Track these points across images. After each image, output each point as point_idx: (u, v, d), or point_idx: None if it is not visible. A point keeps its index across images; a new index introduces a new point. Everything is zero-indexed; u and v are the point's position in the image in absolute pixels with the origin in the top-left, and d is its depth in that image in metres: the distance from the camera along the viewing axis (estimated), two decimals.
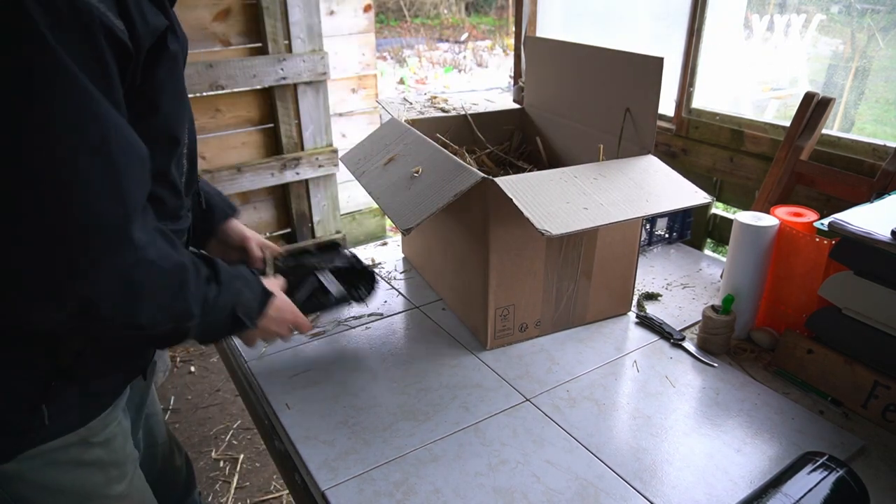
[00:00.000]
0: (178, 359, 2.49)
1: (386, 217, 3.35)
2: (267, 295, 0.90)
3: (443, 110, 1.48)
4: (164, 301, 0.71)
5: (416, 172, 1.11)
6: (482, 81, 7.39)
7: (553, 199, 0.98)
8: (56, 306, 0.63)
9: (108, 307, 0.65)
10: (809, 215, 1.17)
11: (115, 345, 0.82)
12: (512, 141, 1.56)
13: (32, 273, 0.61)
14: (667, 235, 1.61)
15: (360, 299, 1.12)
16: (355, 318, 1.30)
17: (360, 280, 1.12)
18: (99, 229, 0.62)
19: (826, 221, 0.99)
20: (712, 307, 1.15)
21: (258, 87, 2.77)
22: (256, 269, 1.04)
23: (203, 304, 0.77)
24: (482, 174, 1.00)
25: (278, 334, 0.96)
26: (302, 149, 2.95)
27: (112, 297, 0.65)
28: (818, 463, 0.81)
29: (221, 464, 2.02)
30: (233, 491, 1.92)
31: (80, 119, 0.59)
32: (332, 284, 1.08)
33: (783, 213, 1.18)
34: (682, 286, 1.41)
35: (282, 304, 0.94)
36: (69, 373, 0.75)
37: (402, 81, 7.18)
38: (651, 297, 1.36)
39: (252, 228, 1.16)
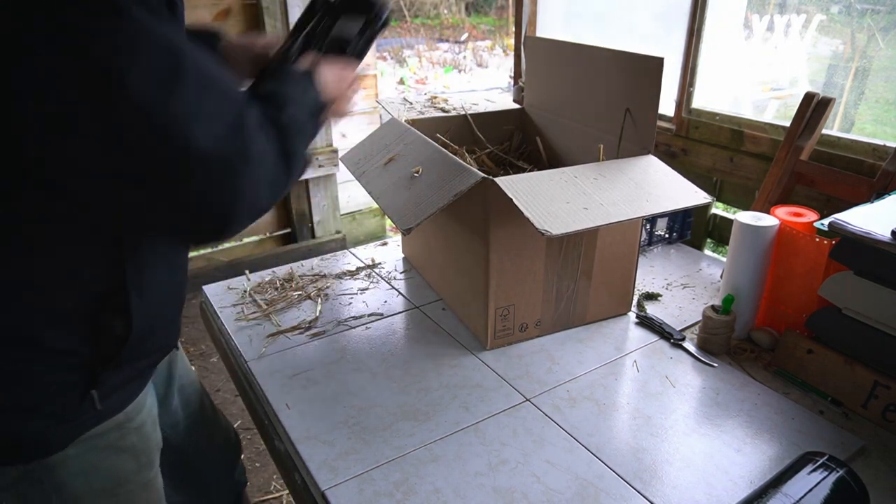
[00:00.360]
0: None
1: (386, 217, 3.35)
2: (310, 78, 0.87)
3: (443, 110, 1.48)
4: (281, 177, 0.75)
5: (417, 172, 1.11)
6: (482, 81, 7.39)
7: (553, 199, 0.98)
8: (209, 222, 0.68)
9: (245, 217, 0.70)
10: (809, 215, 1.17)
11: (158, 325, 0.85)
12: (512, 141, 1.56)
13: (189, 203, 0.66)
14: (667, 235, 1.61)
15: (375, 20, 1.00)
16: (355, 317, 1.30)
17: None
18: (224, 151, 0.65)
19: (826, 221, 0.99)
20: (712, 307, 1.15)
21: None
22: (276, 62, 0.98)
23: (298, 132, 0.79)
24: (482, 174, 1.00)
25: (345, 96, 0.95)
26: None
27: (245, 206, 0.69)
28: (818, 463, 0.81)
29: None
30: None
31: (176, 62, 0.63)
32: (343, 28, 0.99)
33: (783, 213, 1.18)
34: (682, 286, 1.41)
35: (325, 72, 0.92)
36: (113, 359, 0.78)
37: (402, 81, 7.18)
38: (651, 297, 1.36)
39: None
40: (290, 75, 0.84)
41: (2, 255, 0.69)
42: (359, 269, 1.51)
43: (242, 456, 1.32)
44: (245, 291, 1.41)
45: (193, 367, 1.43)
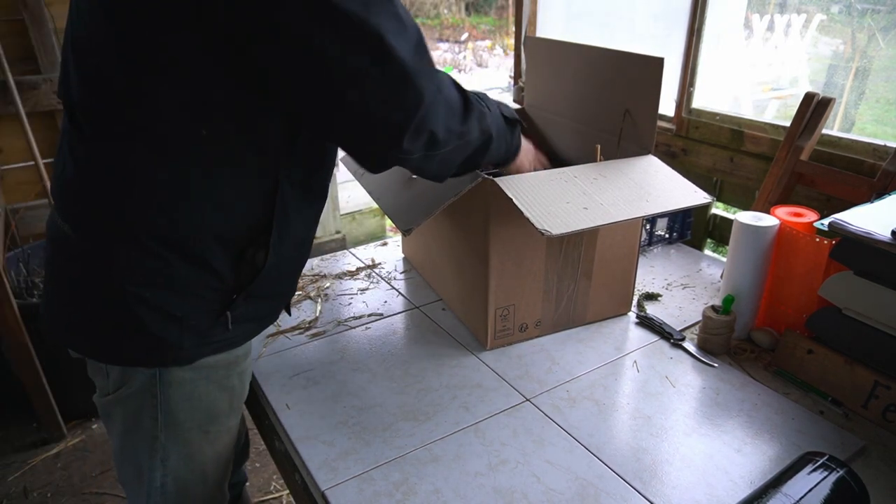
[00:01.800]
0: None
1: (386, 217, 3.35)
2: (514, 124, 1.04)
3: None
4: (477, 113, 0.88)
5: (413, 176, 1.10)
6: (482, 81, 7.39)
7: (553, 199, 0.98)
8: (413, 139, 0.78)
9: (442, 131, 0.81)
10: (809, 215, 1.17)
11: (286, 268, 0.93)
12: None
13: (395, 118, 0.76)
14: (667, 235, 1.61)
15: None
16: (355, 317, 1.30)
17: None
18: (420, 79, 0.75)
19: (826, 221, 0.99)
20: (712, 307, 1.15)
21: None
22: None
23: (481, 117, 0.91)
24: (482, 174, 1.00)
25: (528, 161, 1.12)
26: None
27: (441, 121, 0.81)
28: (818, 463, 0.81)
29: None
30: None
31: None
32: None
33: (783, 213, 1.18)
34: (682, 286, 1.41)
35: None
36: (248, 290, 0.86)
37: None
38: (651, 297, 1.36)
39: None
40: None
41: (198, 178, 0.77)
42: (359, 270, 1.51)
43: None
44: None
45: None
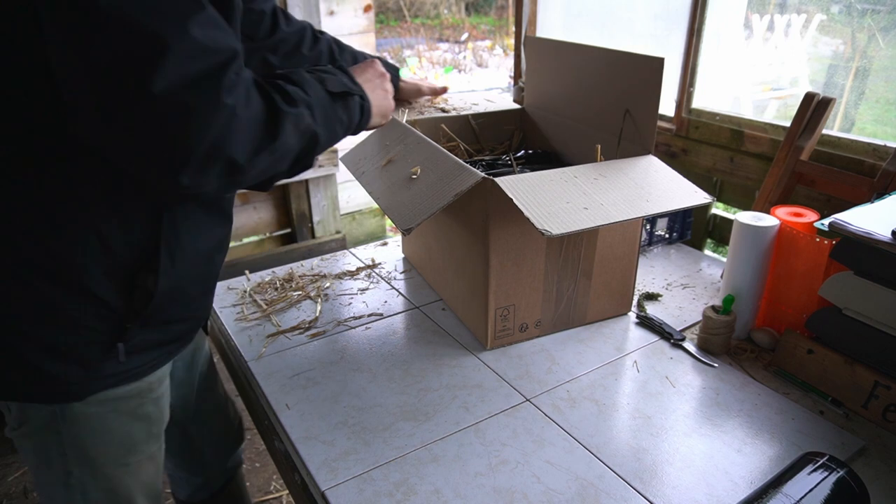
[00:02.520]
0: None
1: (386, 217, 3.35)
2: (345, 70, 0.93)
3: (443, 110, 1.48)
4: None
5: (414, 174, 1.11)
6: (482, 81, 7.39)
7: (553, 199, 0.98)
8: (206, 172, 0.68)
9: (243, 156, 0.70)
10: (809, 215, 1.17)
11: (187, 291, 0.87)
12: (512, 141, 1.56)
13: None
14: (667, 235, 1.61)
15: None
16: (355, 317, 1.30)
17: None
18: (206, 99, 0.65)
19: (826, 221, 0.99)
20: (712, 307, 1.15)
21: None
22: None
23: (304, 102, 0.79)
24: (482, 174, 1.00)
25: (384, 88, 1.01)
26: None
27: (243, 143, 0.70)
28: (818, 463, 0.81)
29: None
30: None
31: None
32: None
33: (783, 213, 1.18)
34: (682, 286, 1.41)
35: (364, 65, 0.99)
36: (143, 316, 0.81)
37: None
38: (651, 297, 1.36)
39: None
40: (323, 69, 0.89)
41: (66, 200, 0.73)
42: (359, 269, 1.51)
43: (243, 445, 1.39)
44: (245, 291, 1.41)
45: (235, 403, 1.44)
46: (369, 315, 1.31)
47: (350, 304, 1.36)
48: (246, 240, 3.04)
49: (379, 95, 1.00)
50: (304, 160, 0.83)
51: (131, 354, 0.84)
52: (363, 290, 1.41)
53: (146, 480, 0.95)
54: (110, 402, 0.85)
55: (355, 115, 0.92)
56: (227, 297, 1.38)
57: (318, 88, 0.83)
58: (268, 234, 3.09)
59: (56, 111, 0.68)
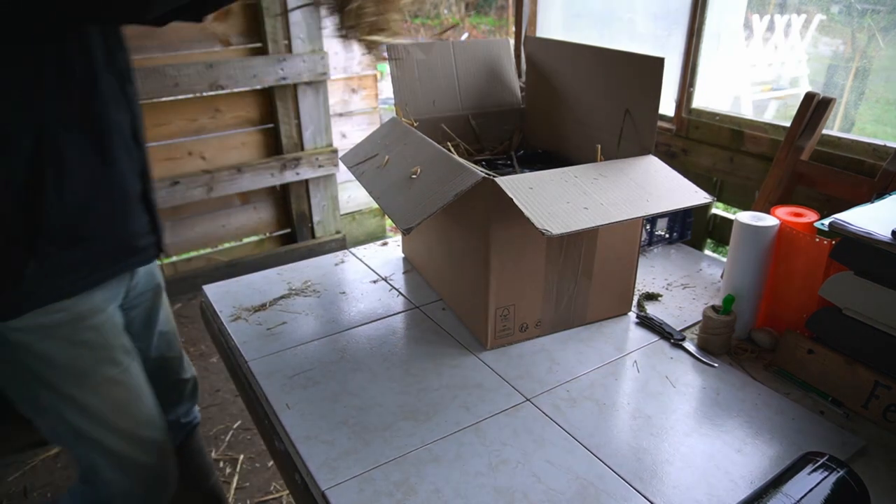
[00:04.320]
0: None
1: (386, 217, 3.35)
2: None
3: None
4: None
5: (414, 174, 1.11)
6: None
7: (553, 199, 0.98)
8: None
9: None
10: (809, 215, 1.17)
11: (87, 212, 0.90)
12: (512, 141, 1.56)
13: None
14: (667, 235, 1.61)
15: None
16: (355, 317, 1.30)
17: None
18: None
19: (826, 221, 0.99)
20: (712, 307, 1.15)
21: (258, 87, 2.77)
22: None
23: None
24: (482, 174, 1.00)
25: None
26: (302, 149, 2.95)
27: None
28: (819, 463, 0.81)
29: (221, 464, 2.02)
30: (233, 491, 1.92)
31: None
32: None
33: (783, 213, 1.18)
34: (682, 286, 1.41)
35: None
36: (44, 231, 0.85)
37: None
38: (651, 297, 1.36)
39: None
40: None
41: None
42: (359, 269, 1.51)
43: (198, 405, 1.46)
44: (245, 292, 1.41)
45: (193, 365, 1.46)
46: (369, 315, 1.31)
47: (350, 303, 1.36)
48: (246, 240, 3.04)
49: None
50: None
51: (51, 275, 0.87)
52: (363, 291, 1.41)
53: (117, 400, 0.99)
54: (41, 329, 0.89)
55: None
56: (227, 297, 1.38)
57: None
58: (268, 234, 3.09)
59: None
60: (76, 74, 0.86)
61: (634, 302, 1.32)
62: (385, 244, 1.65)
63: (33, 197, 0.84)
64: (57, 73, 0.83)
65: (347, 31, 0.99)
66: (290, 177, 2.91)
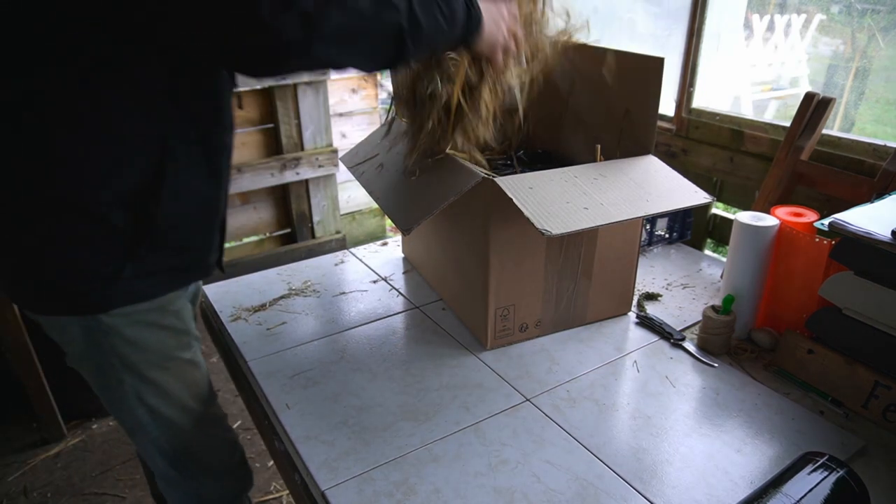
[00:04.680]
0: None
1: (386, 217, 3.35)
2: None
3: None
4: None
5: (414, 174, 1.11)
6: None
7: (553, 199, 0.98)
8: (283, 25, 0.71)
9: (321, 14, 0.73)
10: (809, 215, 1.17)
11: (188, 224, 0.96)
12: (512, 141, 1.56)
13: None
14: (667, 235, 1.61)
15: None
16: (355, 317, 1.30)
17: None
18: None
19: (826, 221, 0.99)
20: (712, 307, 1.15)
21: (258, 87, 2.77)
22: None
23: None
24: (482, 174, 1.00)
25: (497, 8, 0.94)
26: (302, 149, 2.95)
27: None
28: (818, 463, 0.81)
29: None
30: None
31: None
32: None
33: (783, 213, 1.18)
34: (682, 286, 1.41)
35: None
36: (150, 242, 0.90)
37: None
38: (651, 297, 1.36)
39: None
40: None
41: (84, 138, 0.81)
42: (359, 270, 1.51)
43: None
44: (245, 292, 1.41)
45: None
46: (369, 315, 1.31)
47: (350, 303, 1.36)
48: (246, 240, 3.04)
49: (491, 10, 0.92)
50: (389, 35, 0.81)
51: (143, 276, 0.93)
52: (363, 291, 1.41)
53: (192, 382, 1.06)
54: (134, 314, 0.94)
55: (459, 8, 0.86)
56: (227, 297, 1.38)
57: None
58: (268, 234, 3.09)
59: (80, 33, 0.74)
60: (210, 97, 0.92)
61: (634, 302, 1.32)
62: (385, 244, 1.65)
63: (146, 206, 0.88)
64: (191, 95, 0.87)
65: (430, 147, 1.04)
66: (290, 177, 2.91)
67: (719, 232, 1.61)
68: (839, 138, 1.33)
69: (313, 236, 3.15)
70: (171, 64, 0.82)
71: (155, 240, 0.91)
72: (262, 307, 1.34)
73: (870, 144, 1.28)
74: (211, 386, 1.12)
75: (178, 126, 0.87)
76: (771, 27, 1.88)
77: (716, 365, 1.12)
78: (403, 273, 1.49)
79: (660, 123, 1.67)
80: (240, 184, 2.80)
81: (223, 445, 1.14)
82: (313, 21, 0.72)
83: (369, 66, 0.86)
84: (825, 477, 0.79)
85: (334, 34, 0.76)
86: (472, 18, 0.89)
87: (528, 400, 1.04)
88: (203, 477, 1.12)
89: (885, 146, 1.25)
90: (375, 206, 2.97)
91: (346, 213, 3.34)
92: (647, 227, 1.56)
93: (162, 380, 1.01)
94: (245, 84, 2.70)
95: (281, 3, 0.70)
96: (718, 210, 1.65)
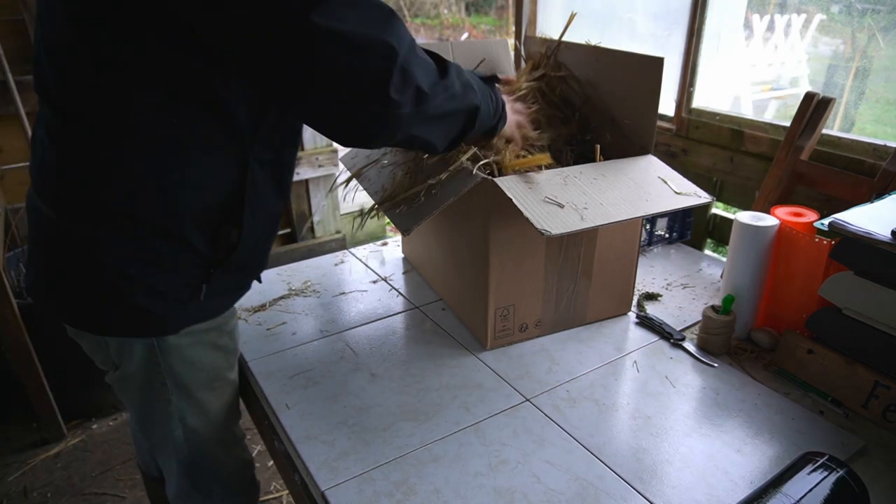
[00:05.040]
0: None
1: (386, 217, 3.35)
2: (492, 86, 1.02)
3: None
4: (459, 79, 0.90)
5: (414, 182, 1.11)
6: None
7: (553, 199, 0.98)
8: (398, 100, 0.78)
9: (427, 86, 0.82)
10: (809, 215, 1.17)
11: (257, 244, 0.98)
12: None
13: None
14: (667, 235, 1.61)
15: None
16: (355, 317, 1.30)
17: None
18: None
19: (826, 221, 0.99)
20: (712, 307, 1.15)
21: None
22: None
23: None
24: (482, 174, 1.00)
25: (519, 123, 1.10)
26: (302, 149, 2.95)
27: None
28: (818, 463, 0.81)
29: None
30: None
31: None
32: None
33: (783, 213, 1.18)
34: (682, 286, 1.41)
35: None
36: (225, 263, 0.92)
37: None
38: (651, 297, 1.36)
39: None
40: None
41: (173, 164, 0.82)
42: (359, 270, 1.51)
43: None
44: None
45: None
46: (369, 315, 1.31)
47: (350, 304, 1.36)
48: None
49: (509, 106, 1.07)
50: (468, 119, 0.92)
51: (211, 296, 0.95)
52: (363, 291, 1.41)
53: (228, 402, 1.08)
54: (195, 334, 0.97)
55: (499, 100, 1.00)
56: None
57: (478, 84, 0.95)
58: None
59: (181, 74, 0.77)
60: (292, 123, 0.94)
61: (634, 302, 1.32)
62: (385, 244, 1.65)
63: (225, 228, 0.90)
64: (275, 122, 0.89)
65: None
66: None
67: (719, 232, 1.61)
68: (839, 138, 1.33)
69: (313, 236, 3.15)
70: (266, 101, 0.85)
71: (229, 261, 0.93)
72: (262, 307, 1.34)
73: (870, 144, 1.28)
74: (238, 405, 1.13)
75: (259, 149, 0.89)
76: (771, 27, 1.88)
77: (716, 365, 1.12)
78: (403, 273, 1.49)
79: (660, 123, 1.67)
80: None
81: (242, 465, 1.15)
82: (424, 96, 0.81)
83: (442, 144, 0.92)
84: (825, 477, 0.79)
85: (434, 112, 0.84)
86: (501, 108, 1.02)
87: (528, 400, 1.04)
88: (219, 495, 1.13)
89: (885, 146, 1.25)
90: None
91: (346, 213, 3.34)
92: (647, 227, 1.56)
93: (206, 400, 1.02)
94: None
95: (403, 80, 0.77)
96: (718, 210, 1.65)
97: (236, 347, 1.08)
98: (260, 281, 1.15)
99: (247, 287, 1.06)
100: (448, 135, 0.92)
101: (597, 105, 1.28)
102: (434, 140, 0.90)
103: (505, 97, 1.07)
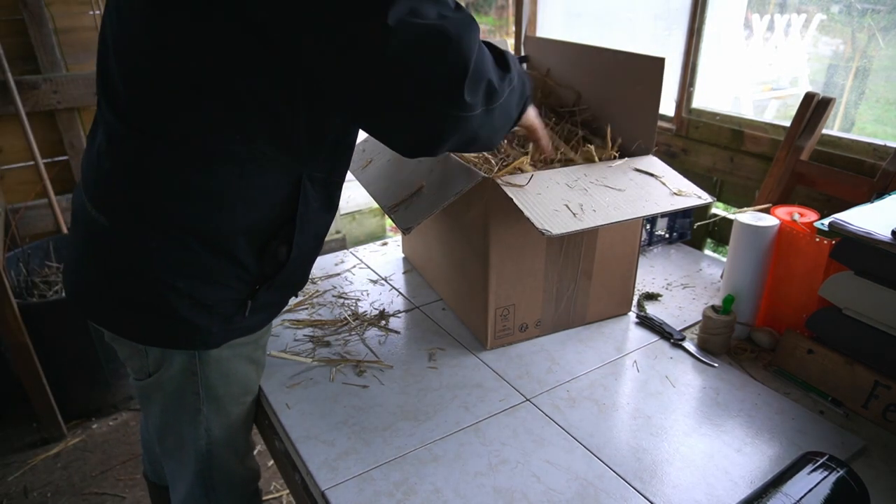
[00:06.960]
0: None
1: (386, 217, 3.35)
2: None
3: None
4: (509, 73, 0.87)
5: (419, 187, 1.11)
6: None
7: (553, 199, 0.98)
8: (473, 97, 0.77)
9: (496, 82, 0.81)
10: (810, 215, 1.17)
11: (303, 261, 0.98)
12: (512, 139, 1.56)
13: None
14: (667, 235, 1.61)
15: None
16: (355, 318, 1.30)
17: None
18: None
19: (826, 221, 0.99)
20: (712, 307, 1.15)
21: None
22: None
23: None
24: (482, 174, 1.00)
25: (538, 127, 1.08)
26: None
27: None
28: (818, 463, 0.81)
29: None
30: None
31: None
32: None
33: (783, 213, 1.18)
34: (682, 286, 1.41)
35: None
36: (269, 280, 0.92)
37: None
38: (651, 297, 1.36)
39: None
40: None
41: (231, 174, 0.82)
42: (358, 270, 1.51)
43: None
44: None
45: None
46: (369, 315, 1.31)
47: (350, 303, 1.36)
48: None
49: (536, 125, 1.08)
50: (521, 105, 0.92)
51: (254, 312, 0.95)
52: (363, 290, 1.41)
53: (251, 414, 1.08)
54: (235, 347, 0.97)
55: (528, 86, 0.97)
56: None
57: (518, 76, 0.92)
58: None
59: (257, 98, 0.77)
60: (347, 143, 0.94)
61: (634, 302, 1.32)
62: (385, 244, 1.65)
63: (275, 246, 0.90)
64: (333, 142, 0.89)
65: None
66: None
67: (719, 232, 1.61)
68: (839, 138, 1.33)
69: None
70: (330, 120, 0.85)
71: (276, 278, 0.93)
72: None
73: (870, 144, 1.28)
74: (254, 416, 1.12)
75: (313, 166, 0.89)
76: (771, 27, 1.88)
77: (716, 365, 1.12)
78: (403, 273, 1.49)
79: (660, 123, 1.67)
80: None
81: (253, 476, 1.15)
82: (495, 93, 0.80)
83: (500, 141, 0.92)
84: (825, 477, 0.79)
85: (500, 111, 0.84)
86: (529, 91, 0.99)
87: (528, 400, 1.04)
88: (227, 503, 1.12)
89: (885, 146, 1.25)
90: (375, 205, 2.97)
91: (346, 213, 3.34)
92: (647, 227, 1.56)
93: (235, 413, 1.03)
94: None
95: (475, 79, 0.76)
96: (718, 210, 1.65)
97: (265, 361, 1.09)
98: (297, 297, 1.13)
99: (286, 303, 1.06)
100: (506, 129, 0.91)
101: (597, 105, 1.28)
102: (496, 138, 0.89)
103: None
